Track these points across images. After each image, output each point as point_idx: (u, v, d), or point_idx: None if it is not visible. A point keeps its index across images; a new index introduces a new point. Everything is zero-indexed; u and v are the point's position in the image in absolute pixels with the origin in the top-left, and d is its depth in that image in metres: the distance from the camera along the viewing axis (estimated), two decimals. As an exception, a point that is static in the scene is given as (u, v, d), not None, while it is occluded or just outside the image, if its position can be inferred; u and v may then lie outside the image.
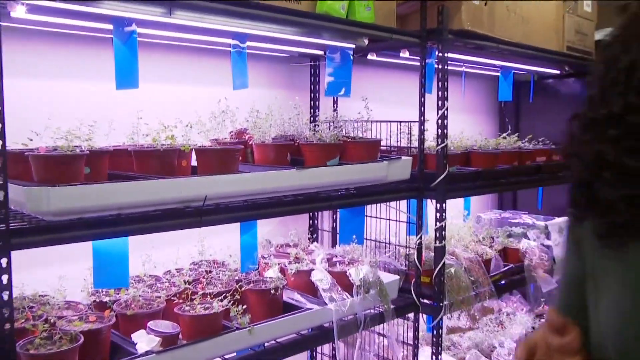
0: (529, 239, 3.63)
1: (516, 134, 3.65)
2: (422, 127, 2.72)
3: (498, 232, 3.60)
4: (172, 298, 2.07)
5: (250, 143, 2.43)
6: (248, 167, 2.23)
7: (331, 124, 2.68)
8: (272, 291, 2.19)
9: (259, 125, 2.30)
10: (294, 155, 2.41)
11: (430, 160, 2.79)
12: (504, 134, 3.59)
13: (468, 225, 3.33)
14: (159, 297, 2.06)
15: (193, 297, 2.10)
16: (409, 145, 2.87)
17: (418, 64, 3.52)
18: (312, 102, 3.20)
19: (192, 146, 2.01)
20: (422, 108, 2.72)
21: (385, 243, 3.04)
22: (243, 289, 2.20)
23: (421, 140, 2.72)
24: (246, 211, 2.01)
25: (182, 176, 1.87)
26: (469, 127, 3.66)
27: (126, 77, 1.96)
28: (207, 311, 1.98)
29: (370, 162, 2.44)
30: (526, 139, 3.67)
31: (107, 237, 1.72)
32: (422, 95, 2.72)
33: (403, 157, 2.61)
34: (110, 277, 1.92)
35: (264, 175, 2.04)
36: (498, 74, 4.19)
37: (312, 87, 3.20)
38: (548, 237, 3.66)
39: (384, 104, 3.54)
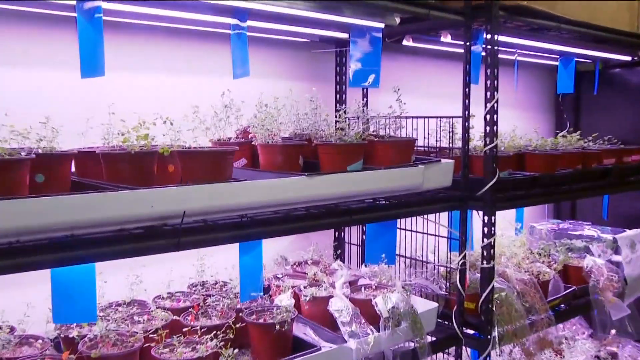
0: (592, 255, 3.11)
1: (577, 132, 3.12)
2: (466, 124, 2.26)
3: (555, 246, 3.09)
4: (153, 335, 1.67)
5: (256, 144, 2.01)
6: (249, 174, 1.81)
7: (358, 120, 2.24)
8: (278, 326, 1.77)
9: (265, 122, 1.88)
10: (308, 158, 1.99)
11: (476, 164, 2.32)
12: (563, 132, 3.07)
13: (521, 239, 2.83)
14: (137, 332, 1.66)
15: (180, 333, 1.70)
16: (450, 145, 2.40)
17: (461, 50, 3.06)
18: (337, 96, 2.77)
19: (174, 148, 1.61)
20: (467, 101, 2.25)
21: (422, 261, 2.58)
22: (242, 322, 1.79)
23: (465, 139, 2.26)
24: (239, 230, 1.60)
25: (155, 186, 1.46)
26: (520, 124, 3.15)
27: (92, 63, 1.57)
28: (191, 354, 1.57)
29: (402, 166, 1.99)
30: (590, 138, 3.13)
31: (50, 265, 1.34)
32: (466, 86, 2.25)
33: (443, 160, 2.15)
34: (74, 310, 1.54)
35: (265, 185, 1.62)
36: (555, 62, 3.67)
37: (337, 78, 2.77)
38: (616, 252, 3.12)
39: (421, 98, 3.08)
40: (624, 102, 3.73)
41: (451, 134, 2.38)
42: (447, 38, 2.64)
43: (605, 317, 2.80)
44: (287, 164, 1.86)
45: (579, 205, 3.93)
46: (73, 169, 1.67)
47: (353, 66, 2.23)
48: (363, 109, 2.22)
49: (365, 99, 2.80)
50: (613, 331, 2.95)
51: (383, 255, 2.19)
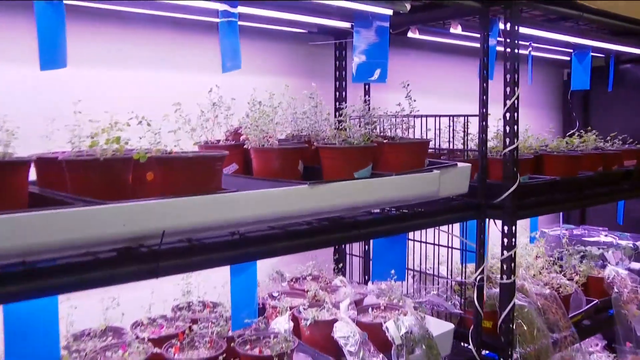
0: (608, 262, 2.89)
1: (593, 132, 2.89)
2: (483, 123, 2.02)
3: (569, 253, 2.86)
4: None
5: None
6: (241, 182, 1.56)
7: (361, 119, 1.99)
8: (276, 359, 1.52)
9: (259, 122, 1.63)
10: (309, 163, 1.74)
11: (493, 167, 2.08)
12: (573, 131, 2.83)
13: (540, 249, 2.60)
14: (110, 372, 1.40)
15: (161, 370, 1.44)
16: (465, 147, 2.17)
17: (471, 44, 2.83)
18: (337, 93, 2.52)
19: (152, 154, 1.35)
20: (484, 97, 2.02)
21: (433, 276, 2.34)
22: (234, 356, 1.54)
23: (483, 140, 2.02)
24: (230, 250, 1.35)
25: (129, 200, 1.21)
26: (527, 123, 2.92)
27: (52, 53, 1.32)
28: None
29: (416, 172, 1.75)
30: (607, 138, 2.91)
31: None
32: (483, 80, 2.01)
33: (460, 164, 1.91)
34: (31, 350, 1.29)
35: (260, 197, 1.37)
36: (563, 57, 3.45)
37: (337, 73, 2.52)
38: (636, 259, 2.90)
39: (426, 95, 2.84)
40: (636, 99, 3.51)
41: (466, 134, 2.14)
42: (457, 29, 2.40)
43: (629, 332, 2.58)
44: (285, 170, 1.61)
45: (590, 209, 3.71)
46: (34, 178, 1.41)
47: (357, 59, 1.98)
48: (368, 107, 1.97)
49: (367, 97, 2.56)
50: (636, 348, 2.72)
51: (392, 272, 1.95)
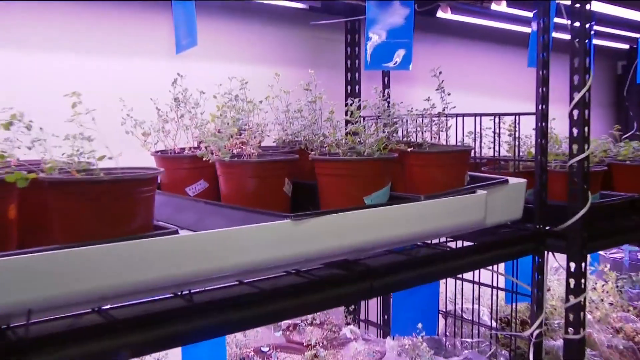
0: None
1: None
2: (542, 124, 1.50)
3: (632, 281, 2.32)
4: None
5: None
6: (196, 211, 1.07)
7: (377, 120, 1.48)
8: None
9: (227, 124, 1.13)
10: (301, 179, 1.24)
11: (552, 183, 1.56)
12: (631, 133, 2.28)
13: (609, 287, 2.05)
14: None
15: None
16: (516, 156, 1.64)
17: (515, 28, 2.31)
18: (348, 87, 2.02)
19: (45, 173, 0.86)
20: (543, 89, 1.49)
21: (472, 322, 1.81)
22: None
23: (541, 146, 1.50)
24: (166, 327, 0.84)
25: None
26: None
27: None
28: None
29: (453, 193, 1.23)
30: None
31: None
32: (542, 67, 1.49)
33: (512, 180, 1.39)
34: None
35: (214, 240, 0.87)
36: (620, 45, 2.91)
37: (347, 62, 2.01)
38: None
39: (459, 92, 2.32)
40: None
41: (516, 139, 1.62)
42: (500, 4, 1.88)
43: None
44: (263, 193, 1.11)
45: None
46: None
47: (372, 39, 1.48)
48: (387, 102, 1.46)
49: (386, 93, 2.05)
50: None
51: (420, 325, 1.44)
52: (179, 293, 0.92)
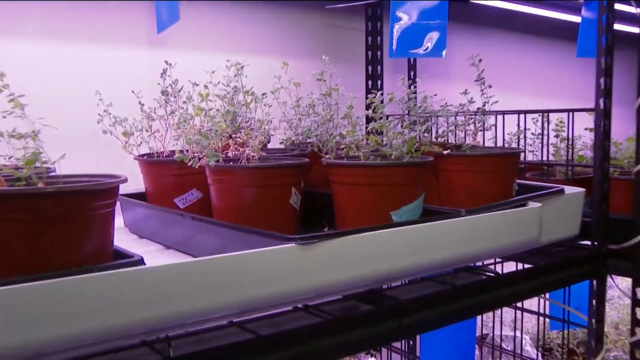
0: None
1: None
2: (604, 122, 1.25)
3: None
4: None
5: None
6: (177, 229, 0.85)
7: (403, 118, 1.24)
8: None
9: (219, 121, 0.91)
10: (314, 188, 1.01)
11: (612, 193, 1.31)
12: None
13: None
14: None
15: None
16: (568, 159, 1.39)
17: (558, 15, 2.06)
18: (369, 82, 1.79)
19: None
20: (605, 80, 1.24)
21: (514, 355, 1.56)
22: None
23: (603, 148, 1.25)
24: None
25: None
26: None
27: None
28: None
29: (501, 206, 0.99)
30: None
31: None
32: (605, 53, 1.24)
33: (568, 190, 1.14)
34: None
35: (190, 274, 0.64)
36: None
37: (369, 53, 1.78)
38: None
39: (496, 89, 2.09)
40: None
41: (571, 141, 1.37)
42: (544, -14, 1.64)
43: None
44: (263, 207, 0.88)
45: None
46: None
47: (400, 20, 1.25)
48: (414, 93, 1.23)
49: (412, 88, 1.81)
50: None
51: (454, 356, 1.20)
52: (148, 341, 0.69)
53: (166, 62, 1.13)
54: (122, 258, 0.66)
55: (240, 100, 1.08)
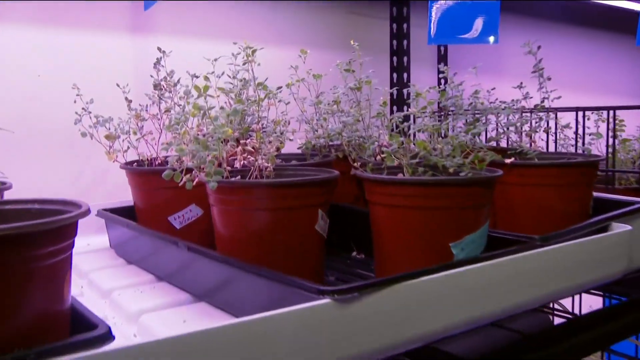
0: None
1: None
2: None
3: None
4: None
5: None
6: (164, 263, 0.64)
7: (450, 113, 1.02)
8: None
9: (219, 124, 0.69)
10: (340, 201, 0.80)
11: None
12: None
13: None
14: None
15: None
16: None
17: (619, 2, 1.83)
18: (393, 75, 1.57)
19: None
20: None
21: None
22: None
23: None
24: None
25: None
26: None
27: None
28: None
29: (582, 230, 0.77)
30: None
31: None
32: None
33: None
34: None
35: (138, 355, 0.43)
36: None
37: (393, 43, 1.57)
38: None
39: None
40: None
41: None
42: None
43: None
44: (281, 236, 0.66)
45: None
46: None
47: (439, 0, 1.03)
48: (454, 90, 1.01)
49: (442, 85, 1.60)
50: None
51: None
52: None
53: (159, 49, 0.92)
54: (82, 328, 0.45)
55: (250, 96, 0.86)
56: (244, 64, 0.70)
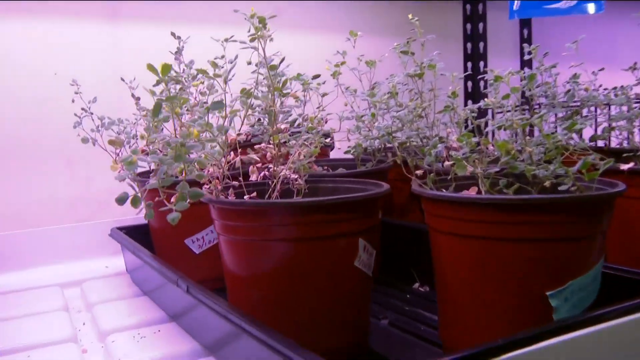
0: None
1: None
2: None
3: None
4: None
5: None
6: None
7: (532, 109, 0.80)
8: None
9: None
10: (396, 216, 0.60)
11: None
12: None
13: None
14: None
15: None
16: None
17: None
18: (468, 64, 1.35)
19: None
20: None
21: None
22: None
23: None
24: None
25: None
26: None
27: None
28: None
29: None
30: None
31: None
32: None
33: None
34: None
35: None
36: None
37: (467, 27, 1.35)
38: None
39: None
40: None
41: None
42: None
43: None
44: (308, 277, 0.48)
45: None
46: None
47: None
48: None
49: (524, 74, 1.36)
50: None
51: None
52: None
53: (173, 34, 0.75)
54: None
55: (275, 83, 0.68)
56: (251, 39, 0.51)
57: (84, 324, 0.73)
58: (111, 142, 0.75)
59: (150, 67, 0.48)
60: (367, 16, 1.33)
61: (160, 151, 0.48)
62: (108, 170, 0.71)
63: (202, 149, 0.46)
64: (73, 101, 0.74)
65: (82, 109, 0.74)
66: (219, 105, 0.46)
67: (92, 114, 0.74)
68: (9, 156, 0.94)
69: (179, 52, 0.82)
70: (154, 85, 0.59)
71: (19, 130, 0.95)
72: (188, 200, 0.46)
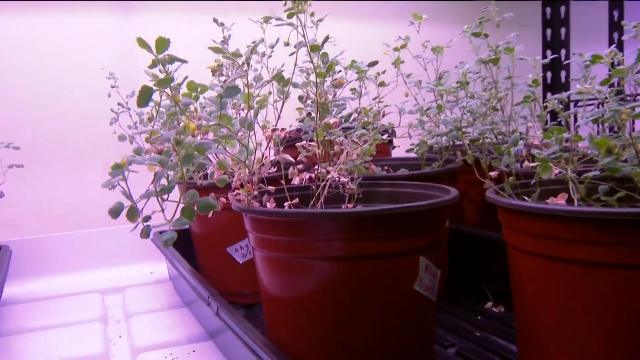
0: None
1: None
2: None
3: None
4: None
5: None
6: None
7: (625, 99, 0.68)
8: None
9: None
10: (468, 226, 0.51)
11: None
12: None
13: None
14: None
15: None
16: None
17: None
18: (547, 52, 1.22)
19: None
20: None
21: None
22: None
23: None
24: None
25: None
26: None
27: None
28: None
29: None
30: None
31: None
32: None
33: None
34: None
35: None
36: None
37: (546, 11, 1.22)
38: None
39: None
40: None
41: None
42: None
43: None
44: (357, 302, 0.39)
45: None
46: None
47: None
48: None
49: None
50: None
51: None
52: None
53: (215, 20, 0.68)
54: None
55: (337, 78, 0.60)
56: (289, 15, 0.43)
57: (120, 336, 0.68)
58: (149, 140, 0.69)
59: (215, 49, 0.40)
60: (429, 2, 1.22)
61: (174, 150, 0.40)
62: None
63: (214, 147, 0.38)
64: (109, 95, 0.68)
65: (119, 104, 0.68)
66: (234, 91, 0.38)
67: (129, 109, 0.68)
68: (53, 158, 0.90)
69: (225, 42, 0.75)
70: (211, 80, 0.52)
71: (63, 132, 0.91)
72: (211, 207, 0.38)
